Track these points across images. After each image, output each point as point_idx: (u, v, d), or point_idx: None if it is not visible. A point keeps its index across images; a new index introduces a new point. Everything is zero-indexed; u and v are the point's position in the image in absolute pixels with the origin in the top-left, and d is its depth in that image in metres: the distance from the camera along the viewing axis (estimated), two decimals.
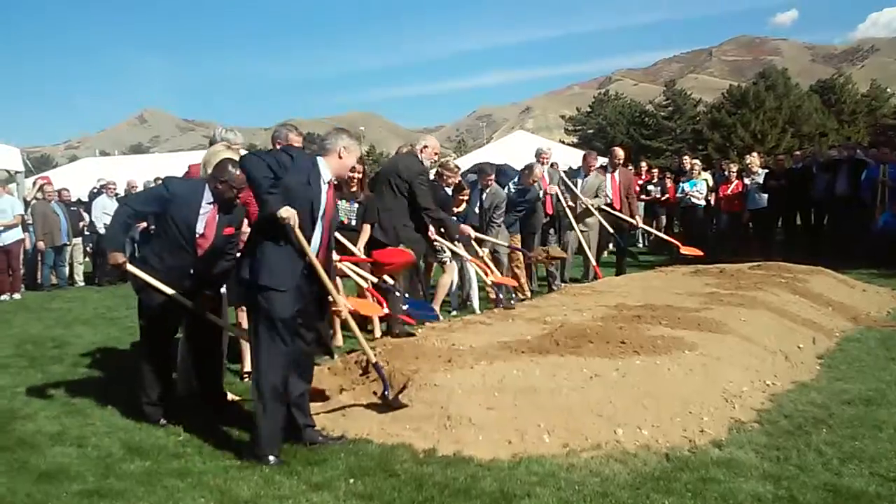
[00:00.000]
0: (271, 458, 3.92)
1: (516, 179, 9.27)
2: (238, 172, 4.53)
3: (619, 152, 10.88)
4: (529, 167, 9.32)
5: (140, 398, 4.80)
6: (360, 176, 6.88)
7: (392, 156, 8.06)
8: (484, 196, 8.69)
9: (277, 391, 3.98)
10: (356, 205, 6.83)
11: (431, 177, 7.60)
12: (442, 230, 7.40)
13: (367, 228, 6.78)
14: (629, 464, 3.73)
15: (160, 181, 5.44)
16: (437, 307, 7.48)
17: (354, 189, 6.84)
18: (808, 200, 13.12)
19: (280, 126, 6.09)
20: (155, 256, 4.77)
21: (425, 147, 7.11)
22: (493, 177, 8.86)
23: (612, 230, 10.14)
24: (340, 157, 4.17)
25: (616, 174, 10.53)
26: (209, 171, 5.30)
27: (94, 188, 15.08)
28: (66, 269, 13.73)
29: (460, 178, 8.30)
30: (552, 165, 15.63)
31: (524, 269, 9.20)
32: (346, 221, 6.69)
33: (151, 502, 3.48)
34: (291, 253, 3.97)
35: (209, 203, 4.72)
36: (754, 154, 15.14)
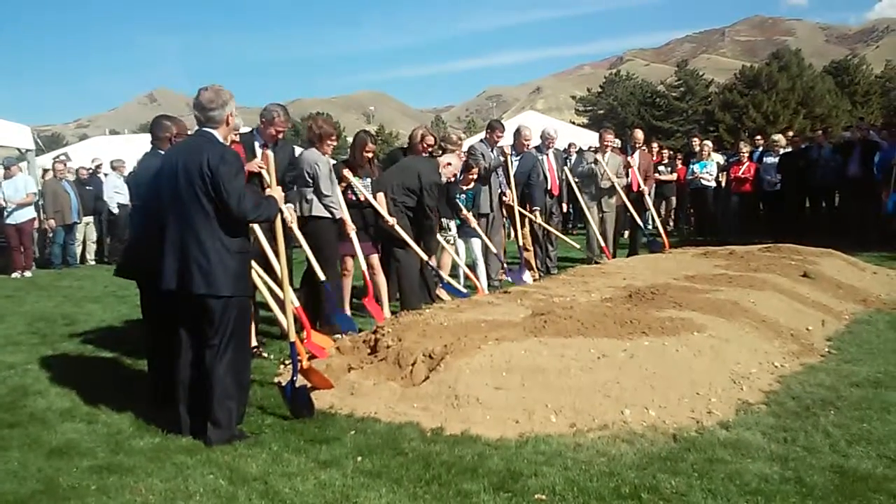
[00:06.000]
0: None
1: (513, 152, 9.30)
2: (169, 122, 5.02)
3: (639, 134, 10.94)
4: (517, 131, 9.40)
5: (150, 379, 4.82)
6: (372, 155, 7.15)
7: (406, 147, 8.13)
8: (493, 152, 8.79)
9: None
10: (369, 181, 7.03)
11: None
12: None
13: (381, 197, 6.93)
14: (636, 444, 3.73)
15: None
16: None
17: (365, 167, 7.08)
18: (820, 182, 12.98)
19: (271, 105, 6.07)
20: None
21: (448, 164, 7.37)
22: (501, 133, 8.94)
23: (633, 211, 10.20)
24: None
25: (636, 156, 10.54)
26: None
27: (90, 169, 14.99)
28: (77, 248, 13.79)
29: (469, 156, 8.35)
30: (569, 146, 15.54)
31: (532, 246, 9.26)
32: (362, 199, 6.84)
33: (161, 479, 3.50)
34: None
35: None
36: (778, 135, 14.83)
